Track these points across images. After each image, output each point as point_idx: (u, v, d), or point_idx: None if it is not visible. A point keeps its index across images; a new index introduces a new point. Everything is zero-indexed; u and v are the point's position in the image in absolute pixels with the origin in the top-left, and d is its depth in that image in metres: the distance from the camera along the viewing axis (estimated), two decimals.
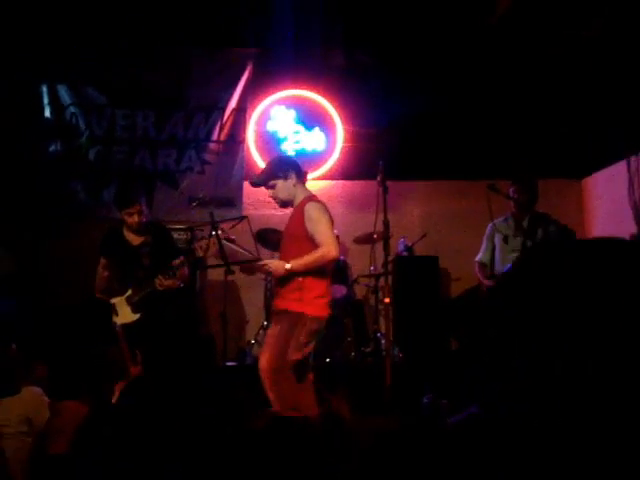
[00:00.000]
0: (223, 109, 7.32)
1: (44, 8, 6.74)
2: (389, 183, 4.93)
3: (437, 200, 7.63)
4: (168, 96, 7.32)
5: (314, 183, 7.16)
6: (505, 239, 5.65)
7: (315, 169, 7.43)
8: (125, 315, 4.75)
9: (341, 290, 6.75)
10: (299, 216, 4.15)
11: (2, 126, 6.99)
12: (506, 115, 7.17)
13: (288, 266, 4.01)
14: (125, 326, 4.74)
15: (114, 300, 4.81)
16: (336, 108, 7.56)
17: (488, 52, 6.92)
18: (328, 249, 4.01)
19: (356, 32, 7.09)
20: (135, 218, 4.79)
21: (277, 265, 4.08)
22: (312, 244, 4.09)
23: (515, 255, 5.43)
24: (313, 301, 4.08)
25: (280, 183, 4.23)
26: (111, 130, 7.35)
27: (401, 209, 7.37)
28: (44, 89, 7.30)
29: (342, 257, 6.99)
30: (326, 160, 7.58)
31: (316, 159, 7.52)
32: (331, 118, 7.58)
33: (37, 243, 7.03)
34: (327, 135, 7.60)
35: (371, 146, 7.20)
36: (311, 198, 4.24)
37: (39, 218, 7.10)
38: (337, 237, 6.59)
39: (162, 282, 4.60)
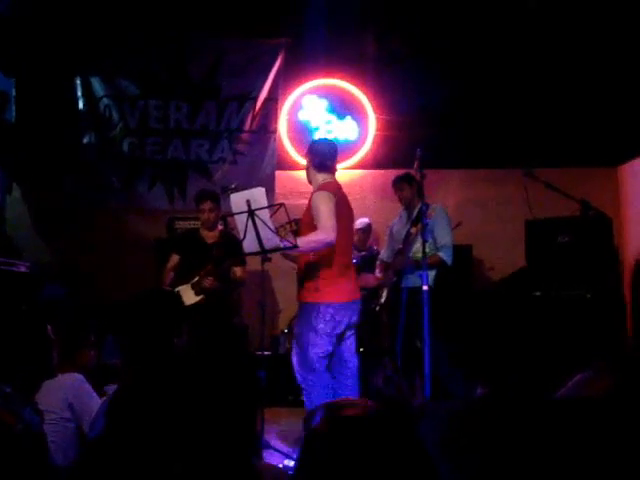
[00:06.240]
0: (255, 99, 7.32)
1: (77, 0, 6.81)
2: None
3: (472, 188, 7.51)
4: (201, 86, 7.35)
5: (346, 173, 7.14)
6: (393, 234, 5.75)
7: (347, 158, 7.40)
8: (188, 298, 5.29)
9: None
10: (309, 204, 4.27)
11: (37, 119, 7.08)
12: (542, 102, 7.06)
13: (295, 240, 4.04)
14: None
15: (179, 288, 5.33)
16: (368, 97, 7.51)
17: (523, 38, 6.83)
18: (323, 234, 4.04)
19: (389, 19, 7.04)
20: (206, 214, 5.40)
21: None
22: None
23: (399, 246, 5.48)
24: (326, 289, 4.17)
25: (307, 164, 4.47)
26: (144, 121, 7.41)
27: (435, 198, 7.28)
28: (77, 81, 7.36)
29: (375, 247, 6.97)
30: (358, 149, 7.55)
31: (348, 148, 7.48)
32: (363, 107, 7.53)
33: (74, 234, 7.14)
34: (359, 124, 7.56)
35: (404, 135, 7.10)
36: (320, 187, 4.29)
37: (75, 209, 7.19)
38: (369, 225, 6.70)
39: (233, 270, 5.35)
